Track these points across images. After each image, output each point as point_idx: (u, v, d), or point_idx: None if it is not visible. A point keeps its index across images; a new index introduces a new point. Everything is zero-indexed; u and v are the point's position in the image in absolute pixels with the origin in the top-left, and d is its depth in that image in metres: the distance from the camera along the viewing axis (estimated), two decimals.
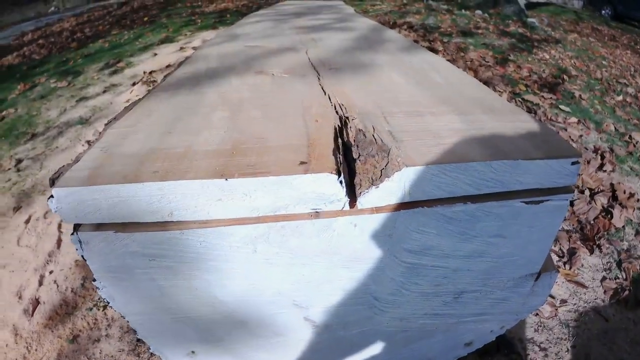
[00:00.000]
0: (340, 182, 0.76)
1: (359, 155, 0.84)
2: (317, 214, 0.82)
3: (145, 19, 9.37)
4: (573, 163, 0.87)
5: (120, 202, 0.77)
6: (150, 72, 5.06)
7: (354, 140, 0.89)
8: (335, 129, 0.94)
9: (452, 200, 0.87)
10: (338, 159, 0.80)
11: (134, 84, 4.80)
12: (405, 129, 0.94)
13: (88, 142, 3.67)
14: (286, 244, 0.86)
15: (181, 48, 5.99)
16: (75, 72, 5.80)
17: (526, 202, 0.90)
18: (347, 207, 0.81)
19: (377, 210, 0.84)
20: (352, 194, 0.81)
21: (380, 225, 0.86)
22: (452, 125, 0.98)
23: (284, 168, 0.77)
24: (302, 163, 0.79)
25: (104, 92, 4.78)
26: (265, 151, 0.84)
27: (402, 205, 0.84)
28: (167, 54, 5.82)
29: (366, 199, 0.80)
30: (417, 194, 0.82)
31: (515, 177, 0.86)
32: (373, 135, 0.89)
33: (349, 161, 0.86)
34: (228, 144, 0.88)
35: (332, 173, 0.76)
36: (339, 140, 0.90)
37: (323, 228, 0.84)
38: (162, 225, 0.81)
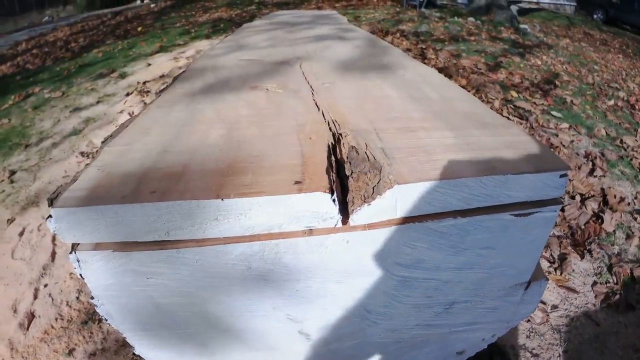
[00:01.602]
0: (333, 200, 0.78)
1: (352, 173, 0.86)
2: (310, 232, 0.84)
3: (139, 28, 9.37)
4: (561, 176, 0.89)
5: (118, 222, 0.78)
6: (144, 83, 5.06)
7: (347, 157, 0.91)
8: (328, 146, 0.96)
9: (442, 215, 0.88)
10: (331, 178, 0.82)
11: (127, 95, 4.81)
12: (397, 146, 0.96)
13: (82, 153, 3.68)
14: (280, 261, 0.87)
15: (175, 58, 6.00)
16: (69, 82, 5.80)
17: (515, 215, 0.92)
18: (339, 225, 0.82)
19: (369, 226, 0.85)
20: (345, 211, 0.82)
21: (371, 241, 0.88)
22: (444, 140, 1.00)
23: (279, 187, 0.79)
24: (296, 182, 0.80)
25: (98, 102, 4.79)
26: (260, 170, 0.86)
27: (394, 221, 0.86)
28: (161, 64, 5.83)
29: (358, 216, 0.82)
30: (408, 210, 0.84)
31: (504, 191, 0.88)
32: (365, 153, 0.91)
33: (342, 178, 0.88)
34: (224, 163, 0.89)
35: (325, 192, 0.77)
36: (332, 157, 0.92)
37: (316, 245, 0.86)
38: (159, 244, 0.83)
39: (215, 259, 0.85)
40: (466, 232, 0.92)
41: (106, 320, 0.96)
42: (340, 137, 1.01)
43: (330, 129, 1.07)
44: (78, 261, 0.84)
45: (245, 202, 0.77)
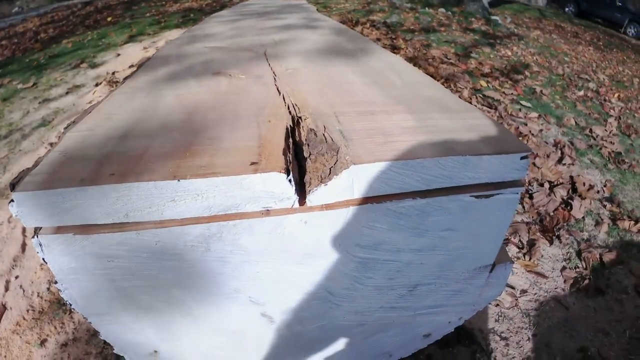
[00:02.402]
0: (290, 180, 0.79)
1: (310, 154, 0.86)
2: (268, 212, 0.84)
3: (109, 19, 9.27)
4: (522, 158, 0.90)
5: (78, 204, 0.78)
6: (114, 73, 5.02)
7: (305, 140, 0.91)
8: (287, 128, 0.96)
9: (401, 196, 0.89)
10: (288, 158, 0.82)
11: (97, 85, 4.76)
12: (356, 128, 0.97)
13: (51, 144, 3.63)
14: (239, 242, 0.88)
15: (145, 48, 5.95)
16: (38, 73, 5.72)
17: (476, 197, 0.94)
18: (297, 205, 0.83)
19: (327, 207, 0.86)
20: (303, 192, 0.83)
21: (330, 222, 0.88)
22: (404, 123, 1.00)
23: (235, 168, 0.79)
24: (252, 163, 0.81)
25: (67, 93, 4.73)
26: (217, 152, 0.86)
27: (352, 202, 0.87)
28: (130, 54, 5.78)
29: (315, 197, 0.83)
30: (365, 190, 0.85)
31: (464, 173, 0.89)
32: (324, 134, 0.92)
33: (300, 160, 0.89)
34: (182, 146, 0.89)
35: (281, 172, 0.78)
36: (290, 140, 0.92)
37: (274, 226, 0.86)
38: (119, 227, 0.83)
39: (174, 241, 0.85)
40: (426, 214, 0.93)
41: (70, 304, 0.96)
42: (299, 120, 1.02)
43: (290, 112, 1.07)
44: (40, 245, 0.83)
45: (201, 182, 0.77)
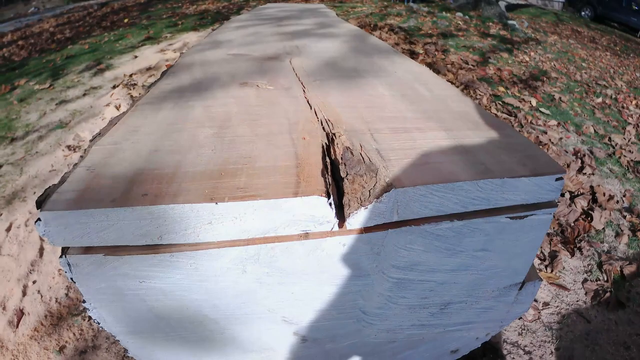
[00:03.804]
0: (330, 204, 0.77)
1: (347, 174, 0.84)
2: (306, 235, 0.83)
3: (126, 20, 9.31)
4: (557, 179, 0.88)
5: (109, 225, 0.77)
6: (131, 75, 5.03)
7: (342, 158, 0.89)
8: (322, 147, 0.95)
9: (439, 218, 0.87)
10: (327, 180, 0.81)
11: (114, 87, 4.76)
12: (393, 147, 0.95)
13: (68, 147, 3.64)
14: (276, 264, 0.86)
15: (162, 50, 5.96)
16: (55, 74, 5.74)
17: (511, 218, 0.92)
18: (336, 228, 0.81)
19: (366, 230, 0.84)
20: (341, 214, 0.81)
21: (368, 244, 0.87)
22: (439, 142, 0.99)
23: (274, 191, 0.77)
24: (291, 185, 0.79)
25: (84, 95, 4.74)
26: (254, 172, 0.84)
27: (390, 225, 0.85)
28: (147, 57, 5.79)
29: (355, 220, 0.81)
30: (405, 213, 0.83)
31: (501, 195, 0.87)
32: (361, 154, 0.90)
33: (336, 179, 0.87)
34: (216, 164, 0.88)
35: (321, 195, 0.76)
36: (327, 159, 0.90)
37: (312, 248, 0.85)
38: (152, 248, 0.81)
39: (210, 263, 0.83)
40: (462, 235, 0.91)
41: (99, 323, 0.94)
42: (334, 137, 1.00)
43: (323, 128, 1.06)
44: (69, 265, 0.82)
45: (240, 206, 0.76)
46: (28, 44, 8.83)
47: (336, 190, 0.85)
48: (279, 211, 0.77)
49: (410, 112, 1.17)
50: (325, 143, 0.97)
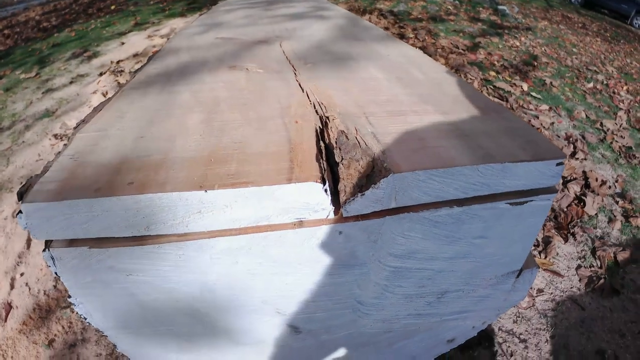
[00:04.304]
0: (325, 190, 0.74)
1: (342, 159, 0.80)
2: (300, 223, 0.80)
3: (113, 7, 9.22)
4: (558, 164, 0.86)
5: (94, 217, 0.73)
6: (118, 62, 4.98)
7: (336, 142, 0.86)
8: (316, 130, 0.91)
9: (438, 205, 0.85)
10: (322, 166, 0.78)
11: (101, 74, 4.71)
12: (389, 131, 0.91)
13: (55, 135, 3.59)
14: (268, 254, 0.83)
15: (149, 36, 5.91)
16: (41, 62, 5.68)
17: (511, 204, 0.89)
18: (331, 216, 0.78)
19: (362, 217, 0.81)
20: (336, 201, 0.78)
21: (365, 232, 0.84)
22: (437, 126, 0.96)
23: (267, 177, 0.74)
24: (285, 171, 0.76)
25: (71, 83, 4.69)
26: (245, 158, 0.81)
27: (388, 212, 0.82)
28: (134, 43, 5.73)
29: (351, 207, 0.78)
30: (403, 200, 0.80)
31: (501, 180, 0.85)
32: (356, 138, 0.86)
33: (331, 164, 0.83)
34: (205, 150, 0.84)
35: (317, 181, 0.73)
36: (321, 143, 0.87)
37: (307, 237, 0.81)
38: (139, 240, 0.78)
39: (199, 254, 0.80)
40: (461, 222, 0.89)
41: (85, 319, 0.91)
42: (327, 121, 0.96)
43: (316, 112, 1.02)
44: (52, 259, 0.78)
45: (230, 193, 0.72)
46: (14, 33, 8.74)
47: (331, 175, 0.82)
48: (271, 199, 0.74)
49: (406, 95, 1.14)
50: (319, 127, 0.94)
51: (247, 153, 0.83)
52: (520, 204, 0.90)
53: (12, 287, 2.25)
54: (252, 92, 1.15)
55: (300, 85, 1.20)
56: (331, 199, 0.76)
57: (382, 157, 0.80)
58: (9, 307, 2.14)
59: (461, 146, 0.86)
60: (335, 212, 0.78)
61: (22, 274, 2.33)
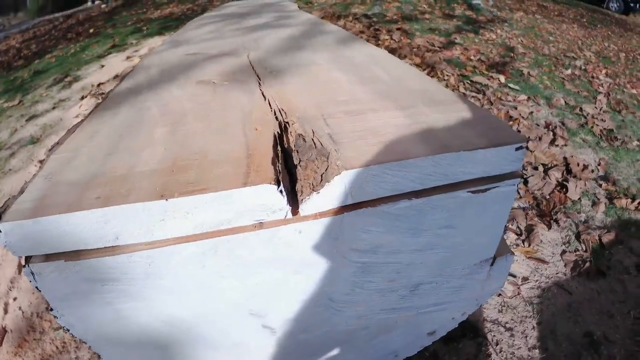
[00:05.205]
0: (281, 191, 0.76)
1: (300, 161, 0.84)
2: (261, 225, 0.82)
3: (91, 30, 9.20)
4: (517, 149, 0.88)
5: (67, 231, 0.76)
6: (99, 85, 4.97)
7: (294, 146, 0.89)
8: (274, 135, 0.94)
9: (396, 198, 0.87)
10: (277, 168, 0.80)
11: (82, 98, 4.71)
12: (345, 130, 0.94)
13: (40, 161, 3.60)
14: (234, 257, 0.85)
15: (128, 57, 5.90)
16: (24, 90, 5.68)
17: (472, 192, 0.92)
18: (289, 215, 0.81)
19: (321, 215, 0.84)
20: (295, 202, 0.81)
21: (325, 230, 0.87)
22: (394, 120, 0.98)
23: (224, 182, 0.77)
24: (241, 176, 0.79)
25: (54, 108, 4.68)
26: (205, 166, 0.84)
27: (346, 208, 0.85)
28: (114, 65, 5.72)
29: (308, 206, 0.81)
30: (359, 195, 0.83)
31: (458, 169, 0.87)
32: (312, 140, 0.89)
33: (290, 168, 0.86)
34: (168, 161, 0.87)
35: (271, 183, 0.76)
36: (279, 147, 0.90)
37: (268, 238, 0.84)
38: (110, 250, 0.81)
39: (168, 260, 0.83)
40: (423, 213, 0.91)
41: (68, 330, 0.94)
42: (287, 126, 1.00)
43: (276, 117, 1.05)
44: (32, 274, 0.81)
45: (189, 200, 0.75)
46: None
47: (290, 178, 0.85)
48: (230, 203, 0.77)
49: (366, 94, 1.16)
50: (278, 132, 0.97)
51: (208, 161, 0.86)
52: (483, 192, 0.93)
53: (5, 311, 2.27)
54: (217, 104, 1.18)
55: (263, 93, 1.23)
56: (289, 200, 0.79)
57: (336, 156, 0.83)
58: (3, 331, 2.15)
59: (417, 139, 0.89)
60: (294, 212, 0.81)
61: (15, 299, 2.34)
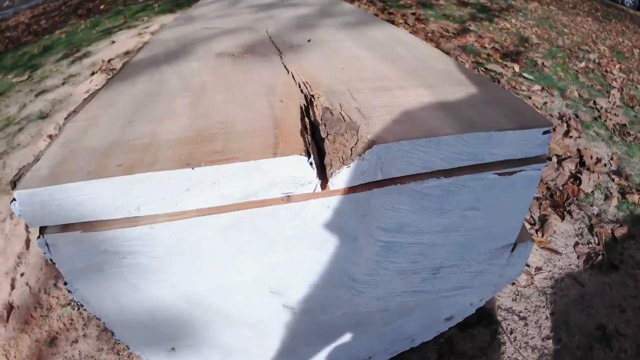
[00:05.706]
0: (311, 163, 0.74)
1: (327, 134, 0.81)
2: (288, 198, 0.80)
3: (102, 6, 9.16)
4: (544, 132, 0.86)
5: (85, 200, 0.73)
6: (109, 60, 4.94)
7: (321, 119, 0.86)
8: (301, 108, 0.92)
9: (425, 176, 0.85)
10: (307, 140, 0.78)
11: (92, 74, 4.68)
12: (373, 105, 0.92)
13: (50, 136, 3.58)
14: (258, 232, 0.83)
15: (139, 34, 5.87)
16: (33, 65, 5.65)
17: (499, 174, 0.90)
18: (319, 189, 0.79)
19: (350, 190, 0.82)
20: (323, 175, 0.79)
21: (353, 206, 0.84)
22: (422, 99, 0.96)
23: (253, 153, 0.75)
24: (270, 146, 0.76)
25: (63, 83, 4.66)
26: (231, 136, 0.81)
27: (375, 184, 0.83)
28: (125, 41, 5.69)
29: (338, 180, 0.79)
30: (389, 171, 0.81)
31: (487, 149, 0.85)
32: (340, 113, 0.87)
33: (317, 141, 0.84)
34: (192, 130, 0.85)
35: (302, 155, 0.74)
36: (306, 120, 0.88)
37: (295, 212, 0.82)
38: (131, 221, 0.78)
39: (189, 234, 0.81)
40: (450, 193, 0.90)
41: (82, 305, 0.92)
42: (312, 99, 0.97)
43: (301, 91, 1.03)
44: (47, 245, 0.79)
45: (217, 169, 0.73)
46: (4, 38, 8.69)
47: (318, 151, 0.82)
48: (258, 173, 0.74)
49: (392, 71, 1.14)
50: (304, 105, 0.94)
51: (233, 131, 0.83)
52: (509, 174, 0.91)
53: (12, 287, 2.25)
54: (238, 76, 1.16)
55: (285, 66, 1.21)
56: (318, 173, 0.77)
57: (367, 130, 0.80)
58: (10, 307, 2.14)
59: (446, 117, 0.87)
60: (323, 186, 0.79)
61: (22, 274, 2.32)
